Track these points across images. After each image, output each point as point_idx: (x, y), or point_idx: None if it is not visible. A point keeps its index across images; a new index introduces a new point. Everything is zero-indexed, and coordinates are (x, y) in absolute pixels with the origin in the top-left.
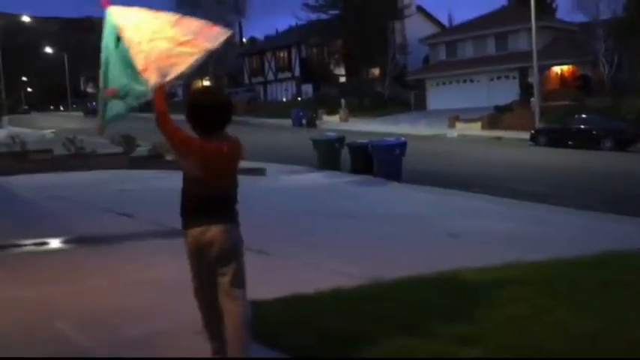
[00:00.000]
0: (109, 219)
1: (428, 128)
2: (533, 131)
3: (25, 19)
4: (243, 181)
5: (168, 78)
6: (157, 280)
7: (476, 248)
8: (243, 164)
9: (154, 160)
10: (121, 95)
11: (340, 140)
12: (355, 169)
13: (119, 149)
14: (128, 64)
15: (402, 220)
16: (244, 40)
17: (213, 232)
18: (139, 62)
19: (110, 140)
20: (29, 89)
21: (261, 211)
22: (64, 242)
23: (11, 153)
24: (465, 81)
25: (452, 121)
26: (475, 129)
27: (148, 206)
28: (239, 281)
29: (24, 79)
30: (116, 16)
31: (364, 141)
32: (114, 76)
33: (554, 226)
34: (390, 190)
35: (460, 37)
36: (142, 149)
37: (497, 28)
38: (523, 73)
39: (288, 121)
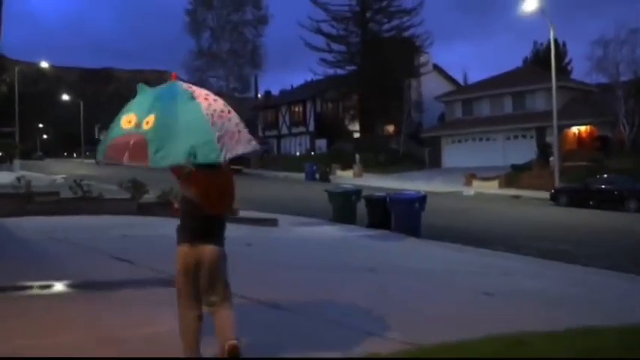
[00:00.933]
0: (108, 264)
1: (443, 185)
2: (553, 190)
3: (44, 65)
4: (255, 231)
5: (230, 156)
6: (145, 337)
7: (517, 309)
8: (256, 215)
9: (161, 207)
10: (191, 157)
11: (357, 193)
12: (372, 224)
13: (127, 195)
14: (199, 125)
15: (430, 277)
16: (259, 94)
17: (207, 250)
18: (215, 131)
19: (118, 185)
20: (45, 136)
21: (274, 263)
22: (50, 287)
23: (17, 195)
24: (480, 139)
25: (468, 178)
26: (492, 187)
27: (150, 253)
28: (228, 293)
29: (40, 125)
30: (187, 86)
31: (382, 194)
32: (173, 128)
33: (588, 287)
34: (410, 245)
35: (477, 96)
36: (150, 196)
37: (515, 88)
38: (540, 133)
39: (301, 175)
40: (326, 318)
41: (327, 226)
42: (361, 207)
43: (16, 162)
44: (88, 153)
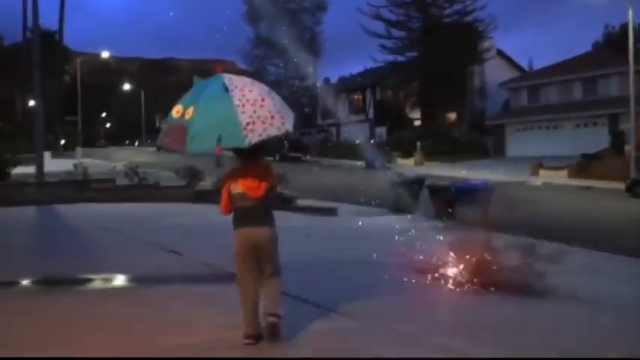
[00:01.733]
0: (154, 255)
1: (508, 175)
2: (629, 181)
3: (105, 55)
4: (314, 221)
5: (260, 139)
6: (178, 348)
7: (624, 318)
8: (315, 203)
9: (217, 195)
10: (217, 143)
11: (419, 181)
12: (436, 214)
13: (183, 182)
14: (228, 115)
15: None
16: (317, 83)
17: (260, 231)
18: (245, 119)
19: (175, 172)
20: (108, 125)
21: (335, 257)
22: (89, 282)
23: (73, 181)
24: (547, 127)
25: (535, 168)
26: (561, 177)
27: (203, 244)
28: (278, 268)
29: (103, 115)
30: (227, 78)
31: (446, 183)
32: (207, 118)
33: None
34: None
35: (544, 82)
36: (206, 183)
37: (585, 73)
38: (613, 120)
39: (361, 163)
40: (397, 331)
41: (389, 215)
42: (424, 196)
43: (78, 149)
44: (149, 141)
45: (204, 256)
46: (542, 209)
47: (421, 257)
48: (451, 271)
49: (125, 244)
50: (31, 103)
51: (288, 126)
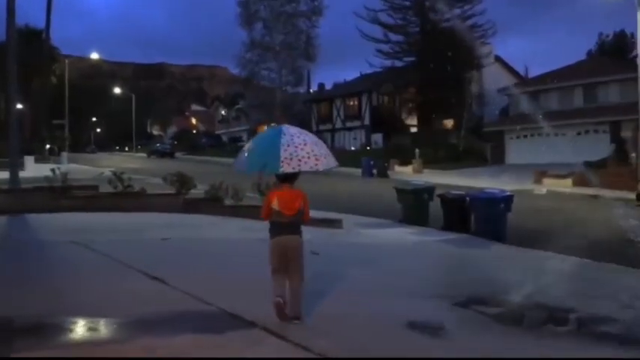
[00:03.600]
0: (132, 284)
1: (511, 183)
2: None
3: (95, 56)
4: (318, 233)
5: (292, 171)
6: None
7: None
8: (317, 214)
9: (210, 204)
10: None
11: (429, 190)
12: (448, 225)
13: (172, 190)
14: (274, 150)
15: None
16: (311, 89)
17: (291, 239)
18: (285, 155)
19: (163, 179)
20: (98, 130)
21: (346, 279)
22: (21, 334)
23: (50, 188)
24: (548, 134)
25: (538, 176)
26: (565, 186)
27: (192, 267)
28: (302, 269)
29: (94, 119)
30: (287, 127)
31: (460, 192)
32: (259, 150)
33: None
34: (500, 254)
35: (543, 88)
36: (198, 191)
37: (586, 79)
38: (615, 127)
39: (357, 171)
40: None
41: (398, 228)
42: (432, 206)
43: (64, 154)
44: (139, 146)
45: (196, 285)
46: (555, 219)
47: (446, 277)
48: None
49: (97, 267)
50: (19, 106)
51: (321, 167)
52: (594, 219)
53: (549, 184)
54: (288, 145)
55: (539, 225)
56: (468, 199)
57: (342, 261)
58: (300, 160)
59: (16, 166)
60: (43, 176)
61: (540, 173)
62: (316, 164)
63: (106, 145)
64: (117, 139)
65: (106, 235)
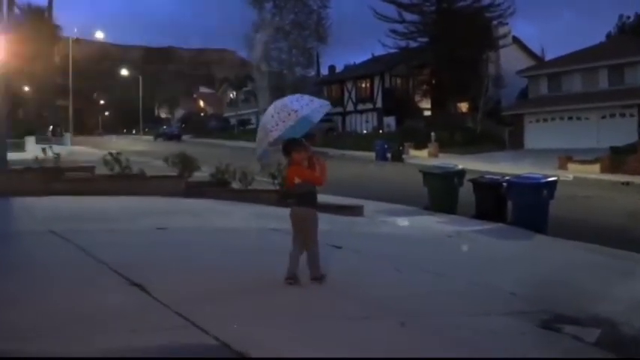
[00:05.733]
0: (104, 295)
1: (533, 168)
2: None
3: (99, 35)
4: (337, 222)
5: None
6: None
7: None
8: (335, 200)
9: (215, 188)
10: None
11: (460, 174)
12: (481, 214)
13: (174, 172)
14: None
15: None
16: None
17: (306, 210)
18: (272, 124)
19: (164, 160)
20: (107, 113)
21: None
22: None
23: (42, 169)
24: (570, 118)
25: (563, 161)
26: (592, 172)
27: (189, 266)
28: (315, 236)
29: (102, 102)
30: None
31: (495, 177)
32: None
33: None
34: (552, 249)
35: (565, 70)
36: (202, 174)
37: (611, 60)
38: None
39: (371, 154)
40: None
41: (425, 216)
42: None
43: (67, 135)
44: (146, 129)
45: (190, 298)
46: (592, 208)
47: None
48: None
49: (63, 268)
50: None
51: (301, 114)
52: (627, 208)
53: (575, 170)
54: (274, 115)
55: (578, 214)
56: (505, 184)
57: (369, 257)
58: (283, 122)
59: (4, 146)
60: (33, 157)
61: (565, 159)
62: (296, 115)
63: (114, 128)
64: (125, 122)
65: (93, 223)
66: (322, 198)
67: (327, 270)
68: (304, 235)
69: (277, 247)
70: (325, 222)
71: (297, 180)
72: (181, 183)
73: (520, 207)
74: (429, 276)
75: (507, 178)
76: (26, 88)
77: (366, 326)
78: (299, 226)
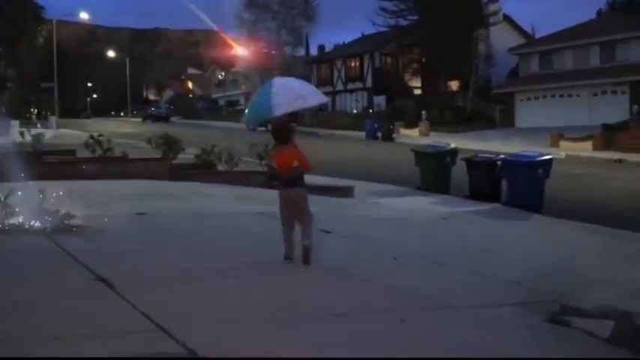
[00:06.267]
0: (52, 292)
1: (524, 146)
2: None
3: (84, 16)
4: (327, 204)
5: (280, 113)
6: None
7: None
8: (324, 181)
9: (201, 171)
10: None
11: (452, 153)
12: (474, 193)
13: (158, 154)
14: (266, 100)
15: None
16: (310, 51)
17: (295, 191)
18: (275, 102)
19: (147, 141)
20: (94, 95)
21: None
22: None
23: (19, 154)
24: (561, 95)
25: (555, 139)
26: (585, 149)
27: (166, 256)
28: (310, 218)
29: (89, 84)
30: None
31: (489, 156)
32: (256, 105)
33: None
34: (551, 230)
35: (556, 47)
36: (188, 155)
37: (603, 37)
38: (636, 88)
39: (361, 134)
40: None
41: (417, 196)
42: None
43: (53, 118)
44: (135, 112)
45: (163, 294)
46: (587, 186)
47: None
48: None
49: (21, 260)
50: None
51: (309, 104)
52: (623, 186)
53: (567, 148)
54: (278, 94)
55: (573, 193)
56: (499, 163)
57: (361, 244)
58: (289, 104)
59: None
60: (18, 142)
61: (557, 136)
62: (304, 103)
63: (103, 111)
64: (114, 105)
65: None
66: (311, 179)
67: (316, 259)
68: (300, 215)
69: (261, 232)
70: (314, 204)
71: (295, 163)
72: (165, 165)
73: (515, 186)
74: (430, 265)
75: (502, 156)
76: (9, 72)
77: (363, 322)
78: (295, 207)
